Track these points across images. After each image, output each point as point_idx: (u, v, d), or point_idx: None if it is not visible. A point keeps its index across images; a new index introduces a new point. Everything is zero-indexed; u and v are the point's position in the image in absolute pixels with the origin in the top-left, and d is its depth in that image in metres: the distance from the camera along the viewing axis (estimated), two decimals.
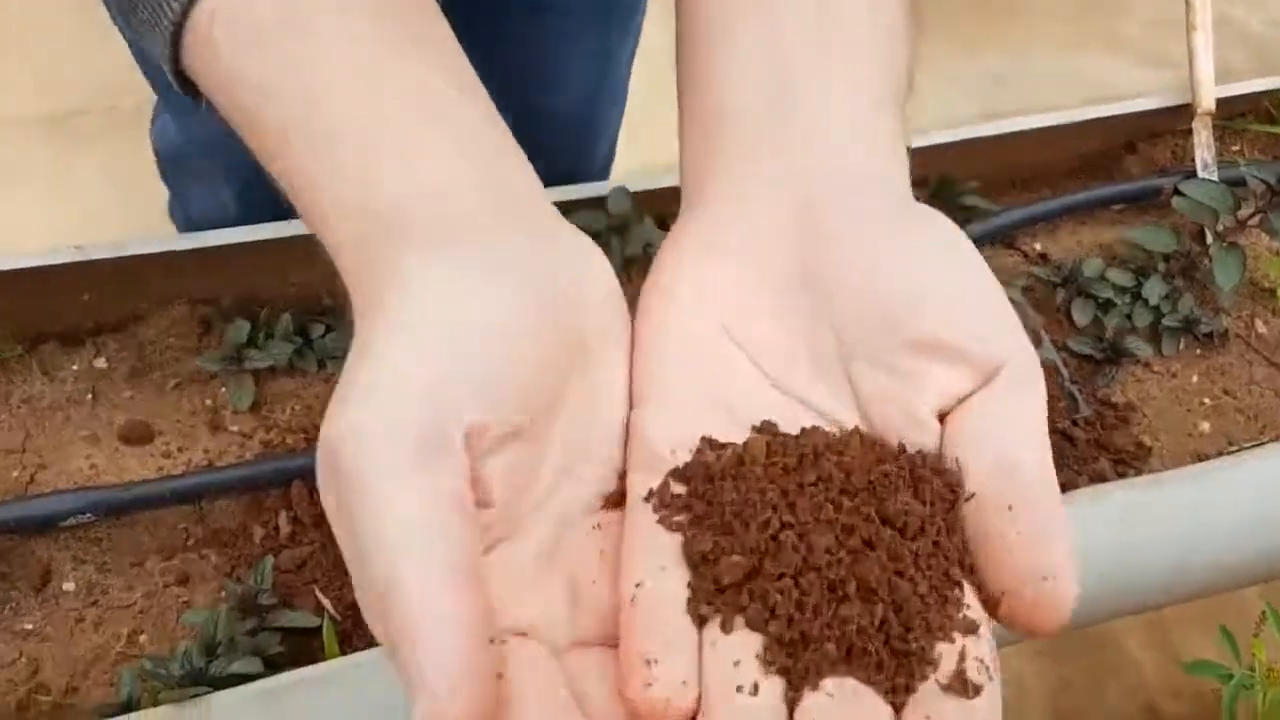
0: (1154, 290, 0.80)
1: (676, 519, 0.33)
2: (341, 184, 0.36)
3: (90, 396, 0.73)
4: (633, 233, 0.78)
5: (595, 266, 0.37)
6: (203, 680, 0.55)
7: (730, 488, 0.33)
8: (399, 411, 0.29)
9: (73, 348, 0.76)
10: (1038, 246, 0.85)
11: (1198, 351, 0.80)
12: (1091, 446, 0.75)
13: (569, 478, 0.35)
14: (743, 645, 0.30)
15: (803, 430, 0.35)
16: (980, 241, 0.82)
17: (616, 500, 0.36)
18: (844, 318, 0.36)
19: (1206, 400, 0.78)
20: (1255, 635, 0.59)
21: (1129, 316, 0.80)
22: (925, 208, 0.40)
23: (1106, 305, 0.80)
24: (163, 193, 1.07)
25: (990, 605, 0.31)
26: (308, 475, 0.69)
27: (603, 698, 0.32)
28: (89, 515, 0.67)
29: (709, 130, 0.41)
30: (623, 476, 0.36)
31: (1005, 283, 0.79)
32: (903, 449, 0.34)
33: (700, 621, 0.31)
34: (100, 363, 0.75)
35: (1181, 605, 1.11)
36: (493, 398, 0.31)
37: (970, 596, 0.31)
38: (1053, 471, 0.32)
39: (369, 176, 0.35)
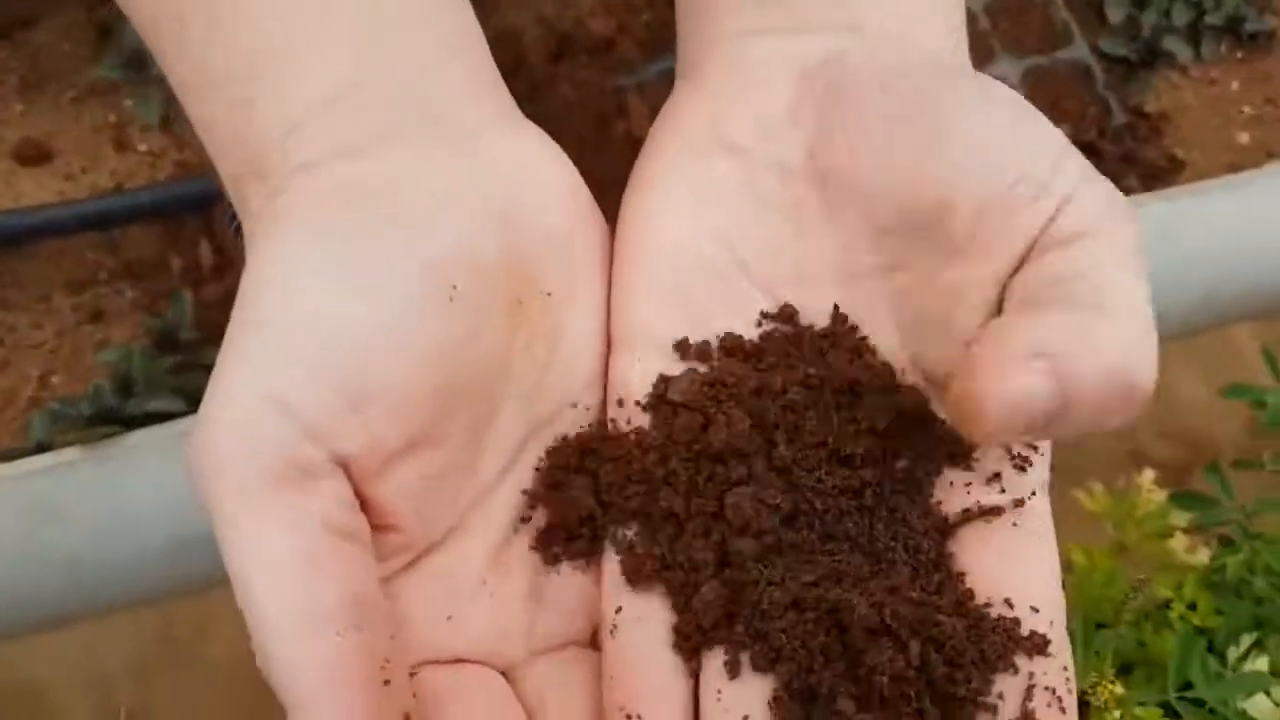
0: None
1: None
2: (210, 97, 0.27)
3: None
4: None
5: (543, 183, 0.29)
6: (117, 419, 0.49)
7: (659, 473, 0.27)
8: (255, 431, 0.24)
9: None
10: None
11: (1240, 55, 0.71)
12: (1120, 162, 0.67)
13: (528, 453, 0.29)
14: (752, 694, 0.25)
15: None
16: None
17: None
18: (862, 225, 0.28)
19: (1247, 109, 0.70)
20: None
21: (1167, 14, 0.70)
22: (969, 71, 0.30)
23: (1142, 1, 0.70)
24: None
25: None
26: None
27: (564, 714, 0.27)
28: None
29: None
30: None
31: None
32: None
33: (689, 657, 0.26)
34: None
35: (1167, 346, 1.05)
36: (378, 410, 0.25)
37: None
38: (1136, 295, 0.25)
39: (240, 87, 0.27)
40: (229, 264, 0.60)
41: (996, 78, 0.61)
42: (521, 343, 0.28)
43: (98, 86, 0.64)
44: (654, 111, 0.31)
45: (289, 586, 0.23)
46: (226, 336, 0.25)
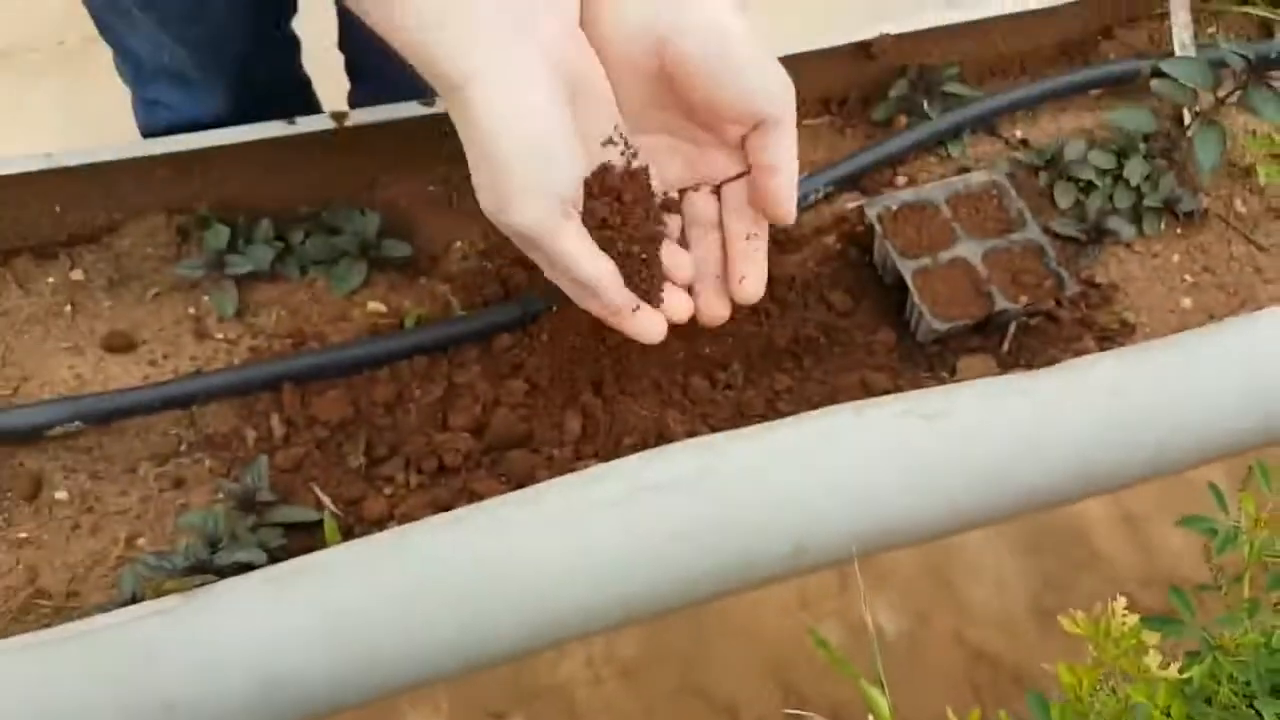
0: (1135, 171, 0.80)
1: None
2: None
3: (69, 308, 0.72)
4: None
5: None
6: (207, 570, 0.55)
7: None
8: None
9: (47, 261, 0.74)
10: (1019, 132, 0.84)
11: (1178, 231, 0.81)
12: (1076, 325, 0.75)
13: None
14: None
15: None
16: (961, 128, 0.82)
17: None
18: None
19: (1188, 277, 0.79)
20: (1242, 490, 0.61)
21: (1110, 198, 0.80)
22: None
23: (1088, 187, 0.80)
24: (113, 125, 1.05)
25: None
26: (298, 378, 0.69)
27: None
28: (77, 423, 0.66)
29: None
30: None
31: (989, 167, 0.79)
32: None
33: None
34: (77, 274, 0.74)
35: (1149, 501, 1.12)
36: None
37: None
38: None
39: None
40: (296, 433, 0.67)
41: (959, 259, 0.72)
42: None
43: (178, 284, 0.73)
44: None
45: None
46: None
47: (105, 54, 0.98)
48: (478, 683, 0.91)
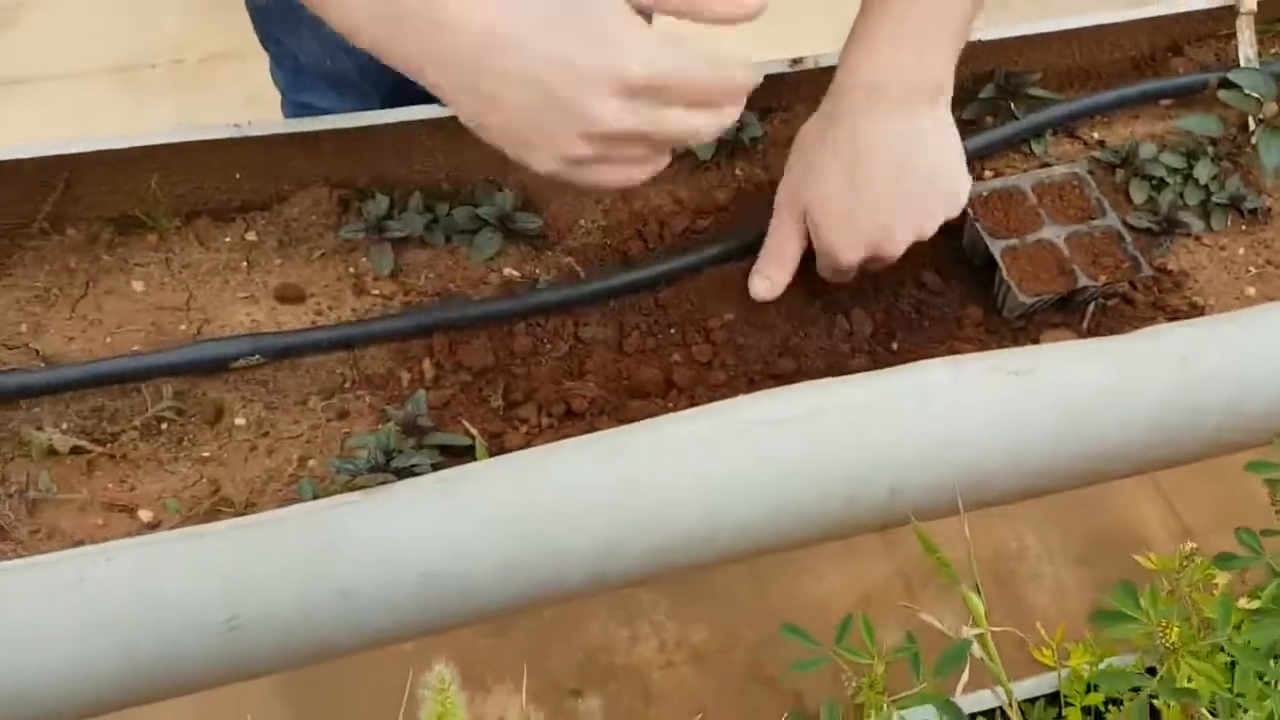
0: (1203, 171, 0.87)
1: None
2: None
3: (245, 264, 0.81)
4: None
5: None
6: (386, 471, 0.63)
7: None
8: None
9: (224, 223, 0.83)
10: (1096, 135, 0.92)
11: (1243, 226, 0.88)
12: (1150, 308, 0.82)
13: None
14: None
15: None
16: (1043, 129, 0.90)
17: None
18: None
19: (1252, 269, 0.85)
20: None
21: (1181, 195, 0.87)
22: None
23: (1160, 185, 0.87)
24: None
25: None
26: (447, 328, 0.77)
27: None
28: (257, 357, 0.74)
29: None
30: None
31: (1070, 161, 0.86)
32: None
33: None
34: (250, 236, 0.83)
35: (1205, 515, 1.16)
36: None
37: None
38: None
39: None
40: (444, 376, 0.76)
41: (1044, 240, 0.81)
42: None
43: (339, 248, 0.82)
44: None
45: None
46: None
47: (221, 72, 1.07)
48: (556, 662, 0.98)
